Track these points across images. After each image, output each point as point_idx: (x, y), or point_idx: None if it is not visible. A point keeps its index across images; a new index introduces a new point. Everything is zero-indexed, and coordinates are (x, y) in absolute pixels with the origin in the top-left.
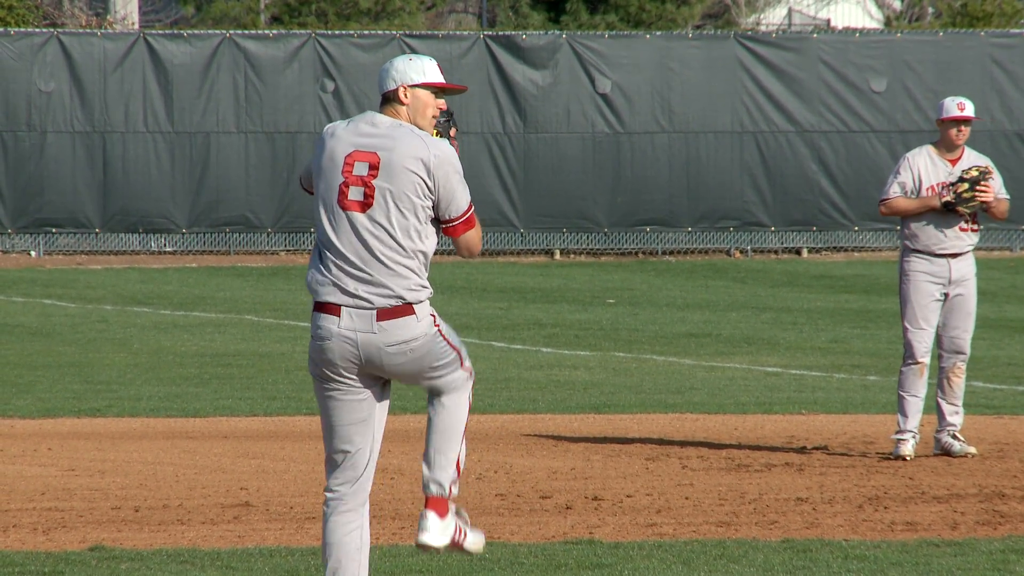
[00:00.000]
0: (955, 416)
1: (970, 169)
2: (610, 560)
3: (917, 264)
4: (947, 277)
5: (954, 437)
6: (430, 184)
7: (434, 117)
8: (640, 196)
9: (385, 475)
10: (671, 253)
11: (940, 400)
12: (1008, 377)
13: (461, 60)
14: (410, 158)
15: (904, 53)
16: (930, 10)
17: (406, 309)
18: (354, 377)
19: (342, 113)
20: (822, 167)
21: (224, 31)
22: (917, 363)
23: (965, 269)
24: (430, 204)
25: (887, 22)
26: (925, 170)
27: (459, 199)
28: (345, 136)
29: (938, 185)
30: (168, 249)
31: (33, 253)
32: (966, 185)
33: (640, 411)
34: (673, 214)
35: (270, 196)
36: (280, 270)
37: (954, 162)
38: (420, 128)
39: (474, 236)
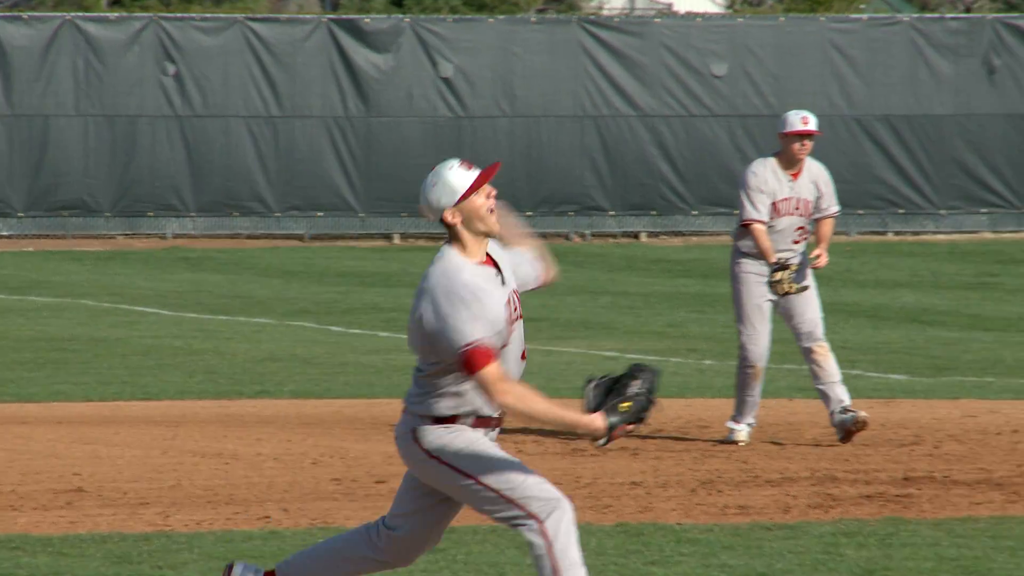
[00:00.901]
0: (839, 391)
1: (789, 263)
2: (443, 544)
3: (748, 266)
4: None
5: (844, 411)
6: (422, 323)
7: (490, 211)
8: None
9: (220, 460)
10: None
11: (817, 386)
12: (843, 361)
13: (304, 44)
14: (417, 296)
15: (745, 38)
16: None
17: (406, 414)
18: None
19: (183, 97)
20: (662, 151)
21: (65, 13)
22: (753, 367)
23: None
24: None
25: (729, 6)
26: (772, 183)
27: (451, 336)
28: None
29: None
30: (4, 233)
31: None
32: (785, 274)
33: None
34: (513, 198)
35: (108, 180)
36: (117, 254)
37: (795, 176)
38: (480, 230)
39: (484, 380)
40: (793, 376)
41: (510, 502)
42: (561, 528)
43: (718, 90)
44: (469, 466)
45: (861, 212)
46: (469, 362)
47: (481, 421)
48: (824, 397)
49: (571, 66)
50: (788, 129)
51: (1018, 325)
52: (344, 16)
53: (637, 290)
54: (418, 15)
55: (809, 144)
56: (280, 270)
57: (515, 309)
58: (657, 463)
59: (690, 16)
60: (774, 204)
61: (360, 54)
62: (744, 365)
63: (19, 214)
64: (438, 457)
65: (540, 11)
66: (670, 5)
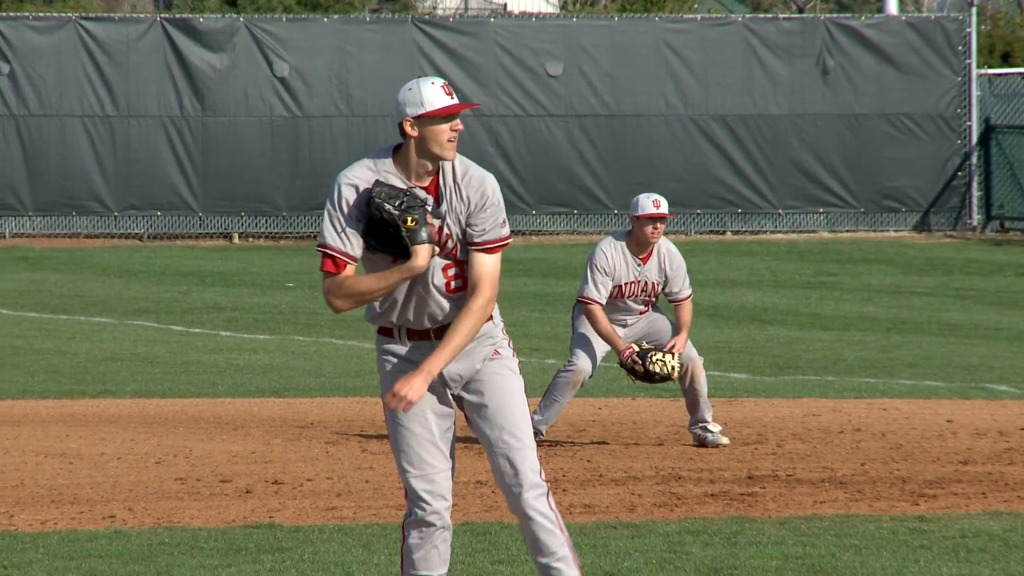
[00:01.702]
0: (704, 410)
1: (654, 374)
2: (290, 544)
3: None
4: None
5: (706, 430)
6: None
7: (450, 140)
8: (319, 179)
9: (63, 459)
10: None
11: (689, 405)
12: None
13: (138, 43)
14: None
15: (580, 37)
16: None
17: None
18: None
19: (18, 96)
20: (500, 151)
21: None
22: (572, 369)
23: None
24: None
25: (563, 6)
26: (619, 269)
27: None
28: None
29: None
30: None
31: None
32: (646, 374)
33: (320, 395)
34: None
35: None
36: None
37: (645, 259)
38: (434, 152)
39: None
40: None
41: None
42: (412, 534)
43: (554, 90)
44: (388, 419)
45: (699, 211)
46: (322, 264)
47: (384, 330)
48: (691, 411)
49: (406, 65)
50: (641, 212)
51: (857, 324)
52: (178, 15)
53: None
54: (252, 14)
55: (662, 227)
56: (120, 269)
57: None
58: None
59: (525, 16)
60: (619, 287)
61: (195, 53)
62: (568, 368)
63: None
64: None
65: (374, 11)
66: (504, 5)
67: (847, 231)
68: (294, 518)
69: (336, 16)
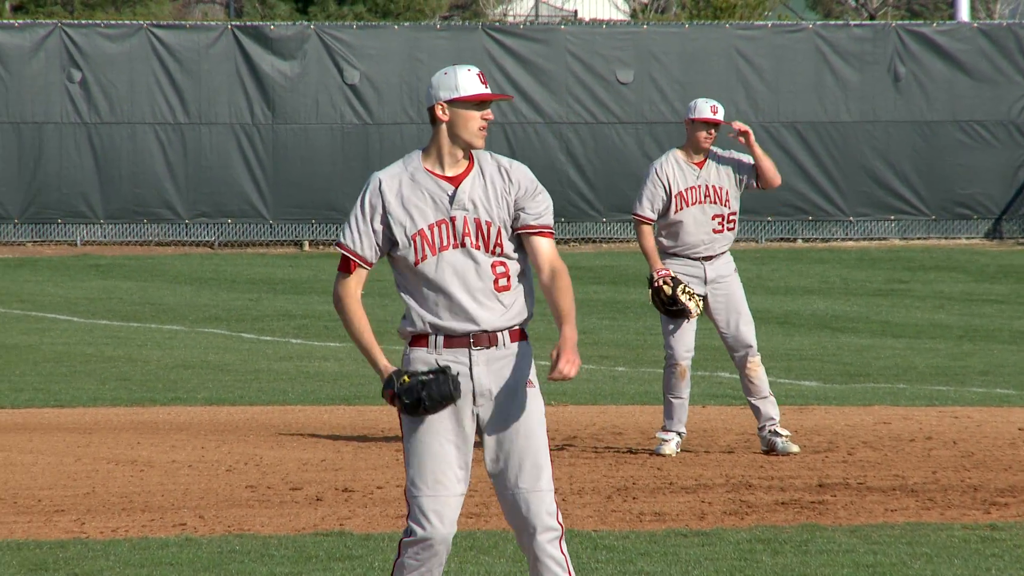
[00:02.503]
0: (770, 408)
1: (679, 300)
2: (360, 551)
3: (672, 266)
4: (703, 277)
5: (775, 433)
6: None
7: (481, 129)
8: None
9: (134, 467)
10: None
11: (749, 399)
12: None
13: (209, 50)
14: None
15: (650, 45)
16: (675, 2)
17: None
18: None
19: (89, 104)
20: (570, 158)
21: None
22: (678, 365)
23: (721, 267)
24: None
25: (633, 14)
26: (674, 177)
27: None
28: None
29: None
30: None
31: None
32: (671, 298)
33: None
34: None
35: (16, 187)
36: (27, 261)
37: (700, 164)
38: (464, 140)
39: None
40: (706, 383)
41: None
42: (409, 552)
43: (625, 97)
44: (404, 427)
45: (770, 219)
46: (340, 260)
47: (416, 340)
48: (754, 410)
49: None
50: (696, 115)
51: (928, 332)
52: (249, 23)
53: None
54: (323, 22)
55: (715, 133)
56: (191, 277)
57: (451, 236)
58: (572, 470)
59: (595, 23)
60: (681, 195)
61: (266, 61)
62: (669, 364)
63: None
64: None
65: (445, 18)
66: (575, 12)
67: (918, 238)
68: (364, 526)
69: (407, 23)
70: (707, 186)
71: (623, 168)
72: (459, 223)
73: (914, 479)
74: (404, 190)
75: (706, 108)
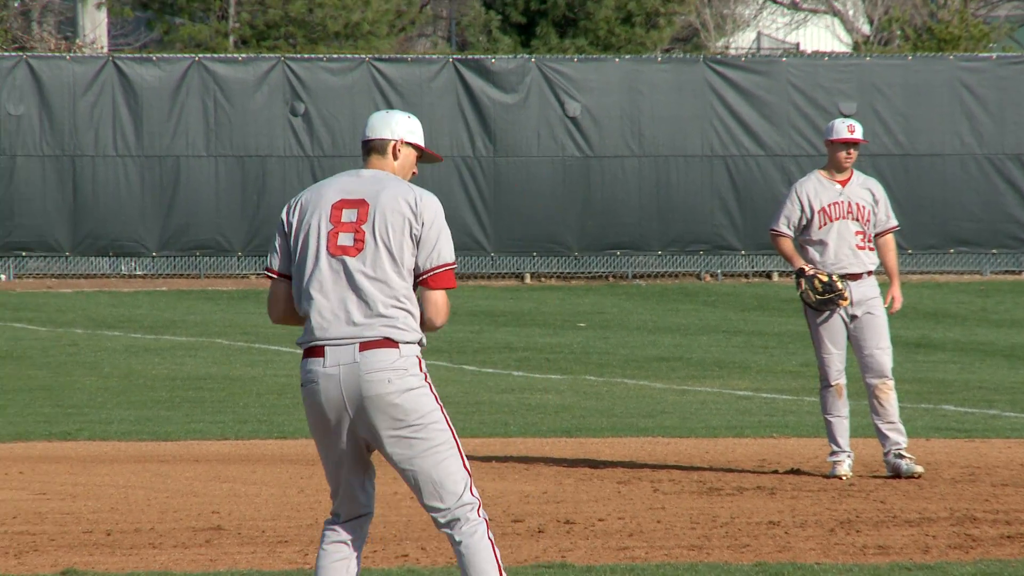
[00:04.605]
0: (896, 435)
1: (836, 284)
2: None
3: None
4: (848, 298)
5: (900, 456)
6: (416, 226)
7: (412, 174)
8: (610, 219)
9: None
10: (641, 277)
11: (876, 422)
12: (979, 400)
13: (430, 83)
14: (399, 199)
15: (873, 77)
16: (898, 34)
17: (388, 343)
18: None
19: (312, 136)
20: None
21: (193, 55)
22: (832, 386)
23: (867, 289)
24: (415, 247)
25: (856, 46)
26: (815, 194)
27: (443, 247)
28: (328, 188)
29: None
30: (138, 272)
31: (3, 276)
32: (827, 283)
33: (611, 435)
34: (643, 238)
35: (240, 219)
36: (250, 293)
37: (843, 183)
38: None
39: (444, 300)
40: (930, 416)
41: (456, 442)
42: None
43: None
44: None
45: (995, 251)
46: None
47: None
48: (880, 435)
49: (698, 105)
50: (835, 136)
51: None
52: (471, 56)
53: (770, 329)
54: (544, 55)
55: (854, 153)
56: None
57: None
58: (794, 502)
59: (817, 55)
60: (824, 211)
61: (487, 93)
62: (824, 385)
63: (152, 254)
64: (433, 391)
65: (666, 51)
66: (797, 45)
67: None
68: (586, 558)
69: (628, 56)
70: (850, 202)
71: None
72: None
73: None
74: None
75: (843, 128)
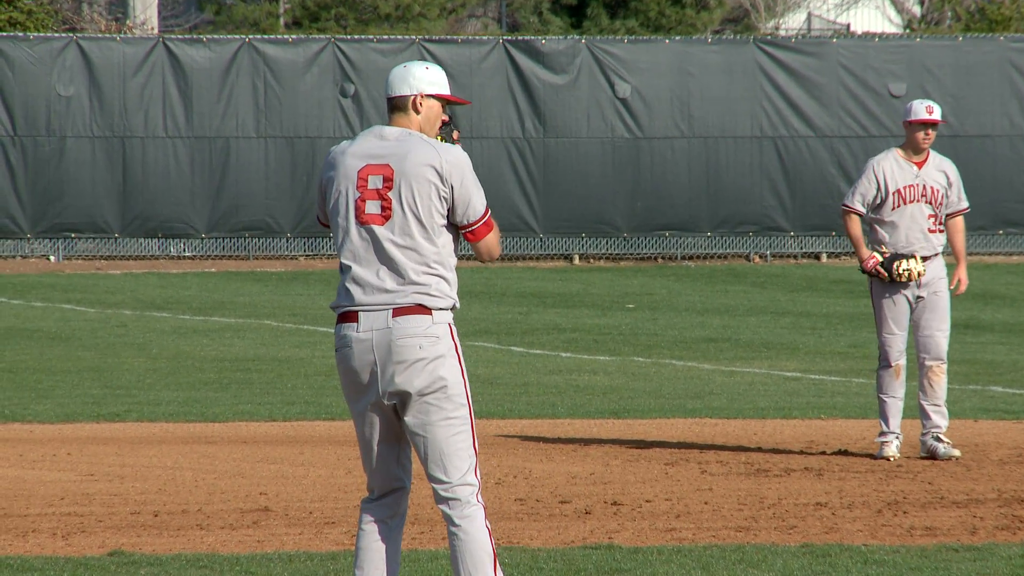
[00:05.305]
0: (939, 417)
1: (908, 265)
2: (629, 565)
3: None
4: (916, 280)
5: (938, 439)
6: (445, 190)
7: (438, 127)
8: (659, 201)
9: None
10: (690, 258)
11: (922, 402)
12: None
13: (480, 64)
14: (423, 165)
15: (924, 58)
16: (949, 14)
17: (421, 309)
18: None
19: (361, 118)
20: (841, 172)
21: (244, 36)
22: (891, 366)
23: (935, 270)
24: (446, 210)
25: (906, 26)
26: (891, 174)
27: (476, 203)
28: (355, 152)
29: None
30: (187, 254)
31: (52, 258)
32: (902, 264)
33: (659, 416)
34: (692, 219)
35: (289, 201)
36: (299, 275)
37: (920, 164)
38: (424, 131)
39: (493, 239)
40: (978, 397)
41: (471, 420)
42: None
43: (897, 110)
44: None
45: None
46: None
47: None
48: (923, 414)
49: (748, 86)
50: (913, 118)
51: None
52: (520, 37)
53: (818, 310)
54: (595, 36)
55: (933, 134)
56: (461, 290)
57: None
58: (842, 484)
59: (868, 36)
60: (899, 192)
61: (537, 74)
62: (883, 364)
63: (202, 235)
64: (462, 365)
65: (716, 32)
66: (847, 26)
67: None
68: (633, 539)
69: (678, 38)
70: (924, 185)
71: None
72: None
73: None
74: None
75: (922, 109)
